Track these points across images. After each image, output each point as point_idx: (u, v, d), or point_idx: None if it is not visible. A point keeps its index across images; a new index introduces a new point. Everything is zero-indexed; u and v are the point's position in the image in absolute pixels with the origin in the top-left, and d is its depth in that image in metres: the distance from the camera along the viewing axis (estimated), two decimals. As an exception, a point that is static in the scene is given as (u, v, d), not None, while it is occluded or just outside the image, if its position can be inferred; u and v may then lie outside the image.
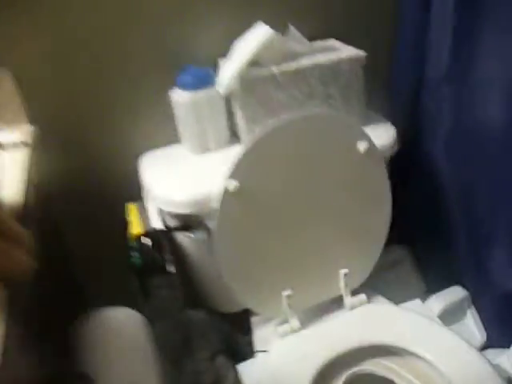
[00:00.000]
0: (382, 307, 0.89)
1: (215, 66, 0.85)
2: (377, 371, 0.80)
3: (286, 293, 0.84)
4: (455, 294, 1.00)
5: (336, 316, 0.88)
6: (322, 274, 0.87)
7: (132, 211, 0.86)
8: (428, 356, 0.78)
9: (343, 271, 0.87)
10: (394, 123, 0.91)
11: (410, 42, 0.94)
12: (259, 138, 0.72)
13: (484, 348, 0.97)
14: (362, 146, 0.78)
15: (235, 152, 0.73)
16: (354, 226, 0.86)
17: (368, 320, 0.86)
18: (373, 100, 0.92)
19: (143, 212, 0.85)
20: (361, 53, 0.81)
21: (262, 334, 0.88)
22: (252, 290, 0.82)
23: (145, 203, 0.87)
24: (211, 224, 0.77)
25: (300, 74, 0.79)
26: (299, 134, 0.75)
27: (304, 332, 0.85)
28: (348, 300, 0.89)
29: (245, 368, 0.83)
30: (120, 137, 0.90)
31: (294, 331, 0.85)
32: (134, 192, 0.89)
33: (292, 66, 0.78)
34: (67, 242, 0.92)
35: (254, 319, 0.91)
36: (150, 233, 0.78)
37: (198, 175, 0.80)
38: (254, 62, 0.78)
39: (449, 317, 0.98)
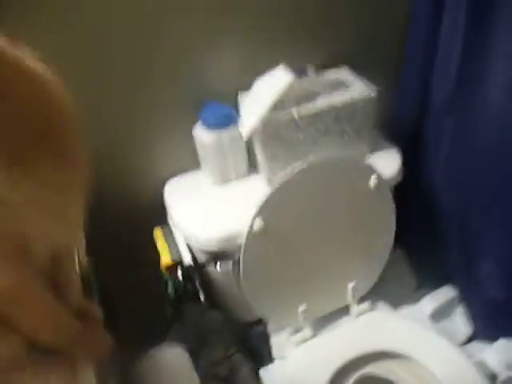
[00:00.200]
0: (383, 315, 1.00)
1: (235, 100, 0.90)
2: (380, 373, 0.93)
3: (301, 308, 0.94)
4: (446, 294, 1.13)
5: (344, 324, 0.99)
6: (332, 288, 0.98)
7: (159, 237, 0.93)
8: (423, 360, 0.91)
9: (351, 284, 0.98)
10: (396, 143, 0.98)
11: (416, 67, 0.99)
12: (284, 181, 0.79)
13: (470, 340, 1.11)
14: (372, 183, 0.86)
15: (254, 183, 0.85)
16: (362, 248, 0.95)
17: (372, 328, 0.98)
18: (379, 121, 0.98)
19: (170, 237, 0.92)
20: (373, 93, 0.86)
21: (279, 341, 0.99)
22: (272, 308, 0.92)
23: (171, 228, 0.93)
24: (236, 257, 0.85)
25: (317, 115, 0.84)
26: (318, 175, 0.82)
27: (316, 340, 0.96)
28: (354, 309, 1.00)
29: (266, 372, 0.95)
30: (144, 161, 0.95)
31: (307, 339, 0.96)
32: (159, 214, 0.95)
33: (310, 108, 0.83)
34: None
35: (270, 327, 1.02)
36: (181, 265, 0.85)
37: (223, 210, 0.87)
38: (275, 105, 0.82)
39: (439, 314, 1.11)
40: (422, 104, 0.99)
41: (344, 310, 1.01)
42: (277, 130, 0.83)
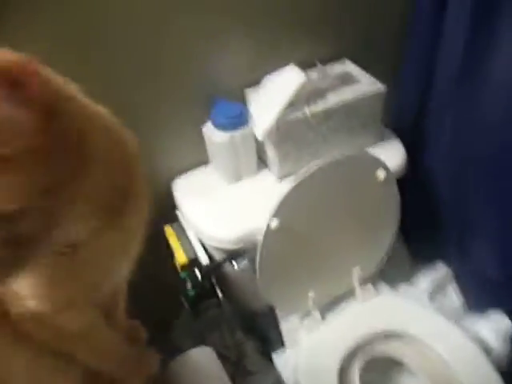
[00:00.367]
0: (386, 297, 1.06)
1: (242, 96, 0.89)
2: (386, 353, 0.99)
3: (311, 294, 0.99)
4: (440, 271, 1.20)
5: (349, 307, 1.05)
6: (338, 274, 1.02)
7: (171, 235, 0.93)
8: (426, 339, 0.98)
9: (356, 269, 1.03)
10: (397, 133, 1.01)
11: (417, 56, 0.99)
12: (300, 181, 0.80)
13: (462, 313, 1.19)
14: (381, 175, 0.89)
15: (265, 181, 0.89)
16: (368, 236, 0.99)
17: (376, 310, 1.04)
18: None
19: (182, 234, 0.93)
20: (382, 88, 0.87)
21: (289, 327, 1.03)
22: (284, 297, 0.96)
23: (182, 225, 0.94)
24: (252, 253, 0.87)
25: (328, 113, 0.85)
26: (331, 173, 0.84)
27: (325, 324, 1.01)
28: (359, 292, 1.05)
29: (278, 357, 1.00)
30: (151, 158, 0.93)
31: (317, 324, 1.01)
32: (167, 212, 0.96)
33: (321, 106, 0.84)
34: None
35: (278, 314, 1.06)
36: (197, 263, 0.87)
37: (237, 209, 0.88)
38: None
39: (435, 290, 1.18)
40: (422, 97, 1.01)
41: (348, 294, 1.06)
42: (289, 129, 0.83)
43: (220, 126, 0.84)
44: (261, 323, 1.14)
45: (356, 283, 1.04)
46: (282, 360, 0.99)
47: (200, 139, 0.92)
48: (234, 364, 1.10)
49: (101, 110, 0.38)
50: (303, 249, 0.91)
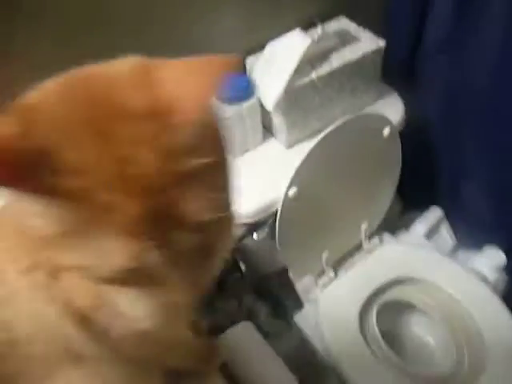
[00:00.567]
0: (391, 246, 1.11)
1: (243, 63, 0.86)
2: (399, 298, 1.05)
3: (324, 254, 1.01)
4: (433, 215, 1.26)
5: (359, 261, 1.09)
6: (348, 231, 1.05)
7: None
8: (435, 280, 1.04)
9: (364, 224, 1.06)
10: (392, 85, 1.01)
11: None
12: (314, 148, 0.80)
13: (455, 250, 1.27)
14: (386, 132, 0.90)
15: (271, 150, 0.89)
16: (373, 189, 1.02)
17: (385, 259, 1.08)
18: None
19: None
20: (381, 43, 0.87)
21: (304, 286, 1.07)
22: (301, 258, 0.98)
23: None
24: (270, 222, 0.88)
25: (334, 74, 0.83)
26: (341, 137, 0.84)
27: (339, 279, 1.05)
28: (366, 245, 1.09)
29: (300, 317, 1.04)
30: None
31: (331, 281, 1.05)
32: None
33: (326, 68, 0.83)
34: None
35: (292, 275, 1.09)
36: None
37: (250, 182, 0.86)
38: (292, 69, 0.81)
39: (430, 232, 1.25)
40: (415, 43, 1.01)
41: (357, 249, 1.10)
42: (297, 95, 0.82)
43: (227, 100, 0.81)
44: (275, 289, 1.17)
45: (363, 237, 1.08)
46: (303, 319, 1.03)
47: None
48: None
49: None
50: (318, 212, 0.92)
